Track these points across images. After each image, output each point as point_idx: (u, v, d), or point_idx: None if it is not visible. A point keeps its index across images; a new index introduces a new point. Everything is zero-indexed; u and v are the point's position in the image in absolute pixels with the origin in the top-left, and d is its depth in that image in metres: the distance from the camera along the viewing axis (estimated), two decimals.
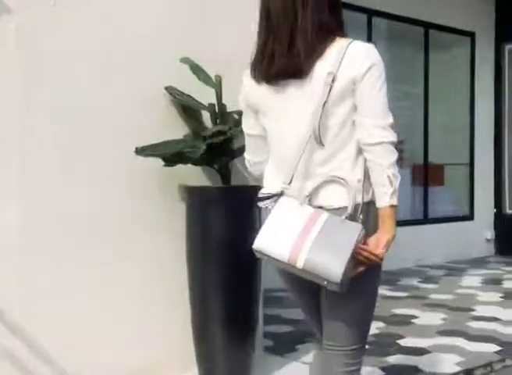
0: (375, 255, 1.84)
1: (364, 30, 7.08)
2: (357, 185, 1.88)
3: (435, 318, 4.82)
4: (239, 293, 3.19)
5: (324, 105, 1.85)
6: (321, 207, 1.90)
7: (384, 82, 1.88)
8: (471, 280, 6.54)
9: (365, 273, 1.88)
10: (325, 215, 1.85)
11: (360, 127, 1.87)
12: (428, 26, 7.76)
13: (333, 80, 1.85)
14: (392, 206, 1.86)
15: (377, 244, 1.85)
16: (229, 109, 3.35)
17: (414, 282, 6.43)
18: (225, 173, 3.26)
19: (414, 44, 7.83)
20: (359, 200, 1.88)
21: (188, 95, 3.37)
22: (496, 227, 8.64)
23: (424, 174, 7.81)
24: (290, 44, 1.89)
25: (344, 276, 1.77)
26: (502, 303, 5.36)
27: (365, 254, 1.84)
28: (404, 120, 7.75)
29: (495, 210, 8.64)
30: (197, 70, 3.17)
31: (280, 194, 1.93)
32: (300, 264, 1.79)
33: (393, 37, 7.68)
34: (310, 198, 1.91)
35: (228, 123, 3.24)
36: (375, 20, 7.22)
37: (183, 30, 3.47)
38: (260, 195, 2.03)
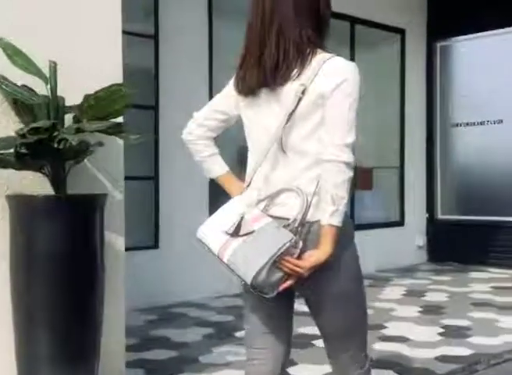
0: (298, 266, 1.82)
1: None
2: (310, 199, 1.87)
3: None
4: (70, 319, 2.64)
5: (290, 115, 1.87)
6: (270, 215, 1.90)
7: (354, 101, 1.88)
8: (394, 291, 6.11)
9: (339, 278, 1.93)
10: (267, 220, 1.86)
11: (321, 144, 1.88)
12: (354, 21, 7.34)
13: (303, 93, 1.86)
14: (330, 225, 1.84)
15: (307, 259, 1.83)
16: (69, 103, 2.82)
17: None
18: (56, 179, 2.71)
19: (338, 40, 7.38)
20: (308, 215, 1.86)
21: (23, 86, 2.80)
22: (428, 233, 8.27)
23: (354, 177, 7.36)
24: (262, 56, 1.91)
25: (258, 280, 1.79)
26: (417, 319, 4.92)
27: (289, 266, 1.82)
28: None
29: (427, 215, 8.27)
30: (14, 53, 2.60)
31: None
32: (225, 259, 1.84)
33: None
34: (266, 201, 1.93)
35: (59, 118, 2.69)
36: None
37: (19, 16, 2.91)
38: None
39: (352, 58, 7.33)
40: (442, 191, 8.21)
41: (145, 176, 5.58)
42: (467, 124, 7.93)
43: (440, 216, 8.22)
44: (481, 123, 7.78)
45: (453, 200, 8.17)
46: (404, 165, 8.00)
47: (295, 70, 1.89)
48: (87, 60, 3.09)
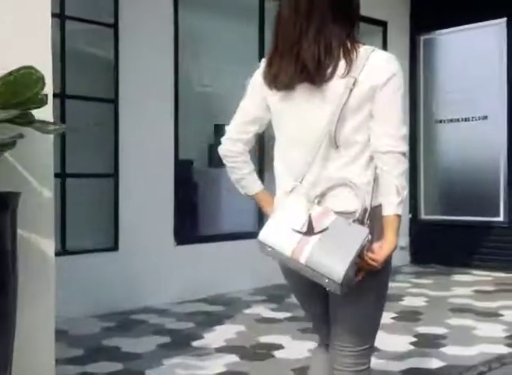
0: (374, 260, 1.87)
1: (256, 14, 6.28)
2: (367, 189, 1.91)
3: (302, 347, 3.98)
4: None
5: (342, 108, 1.88)
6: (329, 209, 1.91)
7: (402, 94, 1.92)
8: None
9: (374, 270, 1.90)
10: (332, 216, 1.87)
11: (373, 135, 1.91)
12: None
13: (354, 85, 1.87)
14: (397, 216, 1.90)
15: (379, 252, 1.87)
16: None
17: None
18: None
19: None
20: (367, 205, 1.90)
21: None
22: (410, 234, 7.95)
23: None
24: (299, 52, 1.91)
25: (345, 278, 1.79)
26: (390, 326, 4.59)
27: (367, 261, 1.86)
28: None
29: (410, 215, 7.95)
30: None
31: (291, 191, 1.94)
32: (303, 260, 1.81)
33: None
34: (319, 200, 1.92)
35: None
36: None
37: None
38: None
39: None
40: (425, 189, 7.90)
41: (104, 174, 5.25)
42: (451, 120, 7.62)
43: (423, 216, 7.90)
44: (466, 120, 7.47)
45: (437, 199, 7.86)
46: None
47: (342, 66, 1.90)
48: (11, 43, 2.77)
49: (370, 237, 1.86)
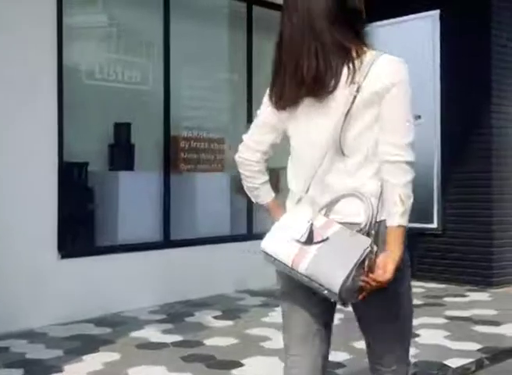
0: (380, 282, 1.82)
1: (160, 7, 5.69)
2: (374, 200, 1.88)
3: None
4: None
5: (346, 115, 1.85)
6: (335, 220, 1.88)
7: (409, 100, 1.88)
8: None
9: (394, 279, 1.84)
10: (336, 226, 1.84)
11: (379, 144, 1.87)
12: (251, 1, 6.45)
13: (357, 91, 1.84)
14: (401, 226, 1.86)
15: (384, 269, 1.82)
16: None
17: (208, 317, 5.07)
18: None
19: (233, 22, 6.52)
20: (373, 217, 1.86)
21: None
22: None
23: None
24: (298, 68, 1.89)
25: (344, 288, 1.76)
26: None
27: (371, 283, 1.82)
28: (225, 114, 6.43)
29: None
30: None
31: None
32: (302, 269, 1.79)
33: (206, 13, 6.34)
34: (326, 210, 1.90)
35: None
36: None
37: None
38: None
39: (249, 45, 6.45)
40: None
41: None
42: None
43: None
44: None
45: None
46: None
47: (345, 75, 1.86)
48: None
49: (376, 248, 1.83)
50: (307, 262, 1.78)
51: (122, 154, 5.65)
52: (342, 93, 1.85)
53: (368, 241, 1.81)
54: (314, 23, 1.87)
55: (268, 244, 1.86)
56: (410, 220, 5.68)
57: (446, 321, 4.87)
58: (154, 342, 4.31)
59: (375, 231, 1.85)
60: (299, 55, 1.89)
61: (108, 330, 4.66)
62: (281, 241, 1.83)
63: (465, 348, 4.14)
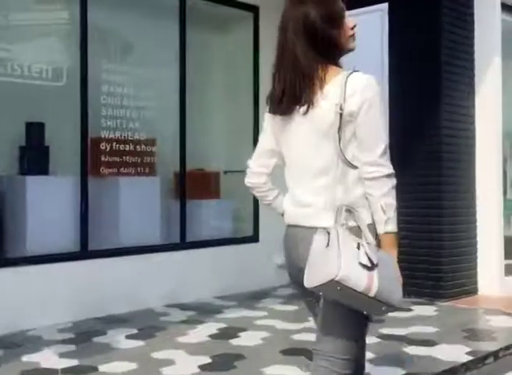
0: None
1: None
2: (366, 207, 2.08)
3: None
4: None
5: (339, 132, 2.03)
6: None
7: (380, 115, 2.06)
8: (201, 331, 4.78)
9: None
10: (366, 244, 1.95)
11: (357, 160, 2.05)
12: None
13: (341, 108, 2.02)
14: (388, 233, 2.04)
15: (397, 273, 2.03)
16: None
17: (121, 336, 4.61)
18: None
19: (165, 13, 6.07)
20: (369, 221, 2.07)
21: None
22: None
23: (181, 184, 6.03)
24: (293, 82, 2.11)
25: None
26: None
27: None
28: (155, 113, 5.97)
29: None
30: None
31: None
32: (372, 293, 1.89)
33: (132, 2, 5.89)
34: (343, 224, 2.02)
35: None
36: None
37: None
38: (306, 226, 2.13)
39: (183, 42, 6.00)
40: None
41: None
42: None
43: None
44: None
45: None
46: None
47: (323, 94, 2.07)
48: None
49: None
50: (375, 287, 1.89)
51: (34, 157, 5.18)
52: (324, 111, 2.05)
53: (392, 257, 2.03)
54: (292, 42, 2.11)
55: (344, 275, 1.86)
56: None
57: (377, 341, 4.44)
58: (41, 368, 3.85)
59: (374, 234, 2.05)
60: (283, 68, 2.14)
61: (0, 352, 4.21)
62: (353, 270, 1.88)
63: (386, 373, 3.72)
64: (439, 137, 5.93)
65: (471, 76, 6.23)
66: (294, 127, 2.13)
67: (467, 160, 6.19)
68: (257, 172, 2.29)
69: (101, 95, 5.45)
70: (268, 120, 2.27)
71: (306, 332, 4.69)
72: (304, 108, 2.07)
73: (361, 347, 2.20)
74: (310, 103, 2.06)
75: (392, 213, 2.01)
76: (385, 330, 4.71)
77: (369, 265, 1.89)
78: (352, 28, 2.18)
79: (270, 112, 2.21)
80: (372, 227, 2.04)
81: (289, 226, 2.20)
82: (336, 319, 2.10)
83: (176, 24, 5.95)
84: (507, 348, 4.29)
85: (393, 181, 2.03)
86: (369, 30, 6.39)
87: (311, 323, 5.11)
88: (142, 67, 5.84)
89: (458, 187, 6.10)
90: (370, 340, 4.42)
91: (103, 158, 5.44)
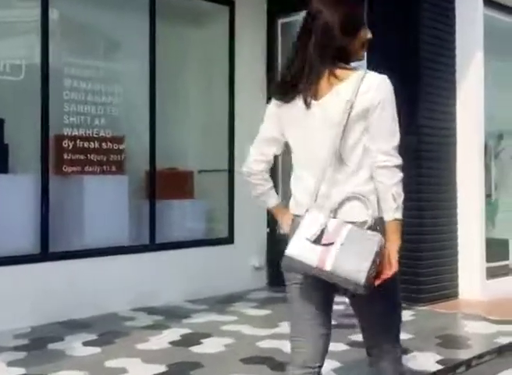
0: (388, 274, 2.14)
1: None
2: (373, 200, 2.20)
3: None
4: None
5: (344, 129, 2.16)
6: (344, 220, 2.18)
7: (393, 112, 2.20)
8: (166, 336, 4.57)
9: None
10: (348, 226, 2.13)
11: (369, 152, 2.19)
12: None
13: (351, 108, 2.15)
14: (396, 220, 2.17)
15: (390, 264, 2.15)
16: None
17: (77, 343, 4.39)
18: None
19: (133, 5, 5.85)
20: (375, 214, 2.19)
21: None
22: (268, 252, 6.79)
23: (150, 183, 5.81)
24: (301, 74, 2.22)
25: (367, 279, 2.06)
26: None
27: (383, 276, 2.14)
28: (123, 109, 5.75)
29: (267, 230, 6.79)
30: None
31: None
32: (328, 268, 2.06)
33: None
34: (334, 213, 2.18)
35: None
36: None
37: None
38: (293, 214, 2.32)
39: (153, 36, 5.79)
40: (284, 198, 6.72)
41: None
42: None
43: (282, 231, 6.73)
44: None
45: None
46: (235, 167, 6.49)
47: (335, 90, 2.19)
48: None
49: (383, 241, 2.13)
50: (331, 261, 2.05)
51: None
52: (336, 107, 2.16)
53: (378, 235, 2.11)
54: (308, 43, 2.22)
55: (293, 251, 2.10)
56: None
57: (345, 348, 4.23)
58: None
59: (379, 226, 2.17)
60: (302, 63, 2.22)
61: None
62: (304, 246, 2.08)
63: None
64: (419, 135, 5.72)
65: (451, 72, 6.03)
66: (303, 120, 2.24)
67: (447, 159, 5.98)
68: (256, 159, 2.37)
69: (64, 91, 5.22)
70: (272, 109, 2.34)
71: (273, 339, 4.49)
72: (308, 100, 2.20)
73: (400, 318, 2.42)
74: (315, 95, 2.19)
75: (400, 202, 2.15)
76: (355, 337, 4.50)
77: (313, 239, 2.07)
78: (366, 40, 2.30)
79: (277, 99, 2.30)
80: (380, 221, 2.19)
81: (297, 215, 2.27)
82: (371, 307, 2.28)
83: (146, 17, 5.74)
84: (480, 356, 4.08)
85: (401, 173, 2.17)
86: None
87: (280, 328, 4.95)
88: (109, 61, 5.62)
89: (438, 187, 5.89)
90: (338, 347, 4.25)
91: (66, 156, 5.22)
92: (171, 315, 5.27)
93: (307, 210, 2.17)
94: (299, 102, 2.22)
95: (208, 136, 6.65)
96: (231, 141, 6.46)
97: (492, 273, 6.32)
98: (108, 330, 4.72)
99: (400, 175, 2.16)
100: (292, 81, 2.23)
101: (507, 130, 7.09)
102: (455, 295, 5.98)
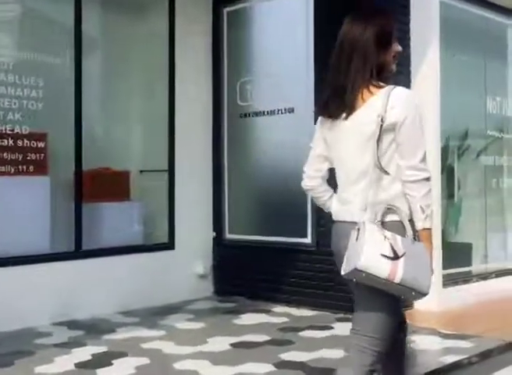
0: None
1: None
2: (406, 209, 2.38)
3: None
4: None
5: (378, 141, 2.32)
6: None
7: (420, 126, 2.36)
8: (75, 357, 4.09)
9: None
10: (398, 237, 2.29)
11: (400, 167, 2.35)
12: None
13: (382, 121, 2.31)
14: (425, 229, 2.35)
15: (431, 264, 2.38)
16: None
17: None
18: None
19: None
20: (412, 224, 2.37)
21: None
22: (215, 258, 6.32)
23: (76, 185, 5.31)
24: (341, 90, 2.40)
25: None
26: None
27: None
28: (43, 104, 5.23)
29: (214, 234, 6.32)
30: None
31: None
32: (397, 280, 2.21)
33: None
34: (381, 224, 2.34)
35: None
36: None
37: None
38: (338, 220, 2.52)
39: (77, 25, 5.30)
40: (230, 201, 6.26)
41: None
42: (257, 114, 6.01)
43: (229, 236, 6.26)
44: (271, 113, 5.88)
45: (247, 214, 6.22)
46: (175, 167, 6.01)
47: (368, 105, 2.37)
48: None
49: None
50: (400, 274, 2.21)
51: None
52: (367, 120, 2.33)
53: (426, 248, 2.32)
54: (344, 60, 2.41)
55: (366, 263, 2.21)
56: (283, 235, 4.83)
57: (271, 370, 3.77)
58: None
59: (417, 236, 2.33)
60: (339, 82, 2.41)
61: None
62: (375, 260, 2.22)
63: None
64: None
65: (405, 65, 5.57)
66: (340, 134, 2.43)
67: None
68: (310, 176, 2.60)
69: None
70: (318, 126, 2.54)
71: (193, 358, 4.02)
72: (345, 114, 2.37)
73: (393, 327, 2.44)
74: (352, 109, 2.35)
75: (429, 212, 2.31)
76: (285, 355, 4.04)
77: (391, 256, 2.21)
78: (397, 52, 2.45)
79: (318, 114, 2.51)
80: (411, 223, 2.34)
81: (337, 221, 2.51)
82: (366, 300, 2.40)
83: (71, 4, 5.25)
84: None
85: (430, 184, 2.33)
86: (292, 17, 5.73)
87: (207, 345, 4.50)
88: (28, 51, 5.11)
89: None
90: (260, 368, 3.79)
91: None
92: (93, 330, 4.79)
93: (357, 223, 2.33)
94: (338, 119, 2.40)
95: (147, 133, 6.18)
96: (171, 139, 5.98)
97: (453, 280, 5.91)
98: (14, 350, 4.23)
99: (427, 187, 2.32)
100: (332, 99, 2.40)
101: (472, 129, 6.67)
102: (410, 306, 5.53)
